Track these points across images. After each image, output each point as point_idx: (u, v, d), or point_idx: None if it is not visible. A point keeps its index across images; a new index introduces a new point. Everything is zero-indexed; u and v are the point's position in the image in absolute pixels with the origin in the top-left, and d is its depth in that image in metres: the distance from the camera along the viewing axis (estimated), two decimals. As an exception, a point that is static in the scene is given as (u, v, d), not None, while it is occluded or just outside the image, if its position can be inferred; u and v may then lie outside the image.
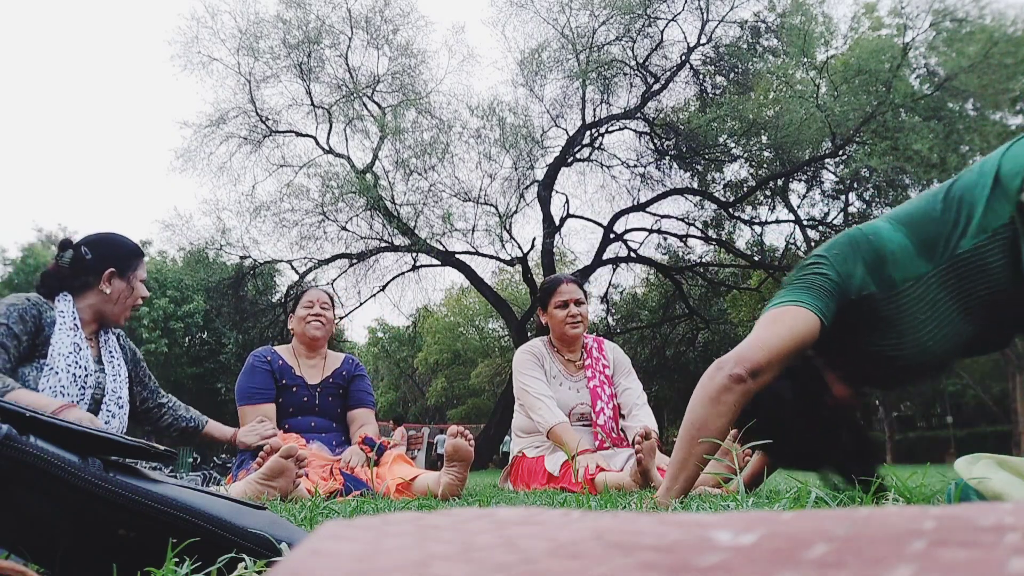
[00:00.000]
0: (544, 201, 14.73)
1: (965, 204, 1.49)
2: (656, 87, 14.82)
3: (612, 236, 15.90)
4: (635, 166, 15.73)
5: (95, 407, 2.18)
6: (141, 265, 2.31)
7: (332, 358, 2.97)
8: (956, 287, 1.50)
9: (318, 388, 2.83)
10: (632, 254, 16.39)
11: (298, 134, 14.98)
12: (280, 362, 2.84)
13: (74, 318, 2.17)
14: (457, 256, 15.03)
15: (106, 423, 2.18)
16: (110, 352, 2.31)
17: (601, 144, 15.69)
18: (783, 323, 1.53)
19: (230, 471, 2.93)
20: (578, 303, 3.03)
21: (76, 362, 2.12)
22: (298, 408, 2.78)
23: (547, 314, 3.08)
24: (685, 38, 14.58)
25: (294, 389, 2.79)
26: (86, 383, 2.13)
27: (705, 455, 2.06)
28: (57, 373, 2.07)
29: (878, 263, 1.55)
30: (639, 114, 14.77)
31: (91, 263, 2.23)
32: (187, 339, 26.66)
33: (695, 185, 15.67)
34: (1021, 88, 13.89)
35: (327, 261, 14.72)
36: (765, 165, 15.46)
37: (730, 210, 15.91)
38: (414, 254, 15.01)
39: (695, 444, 1.52)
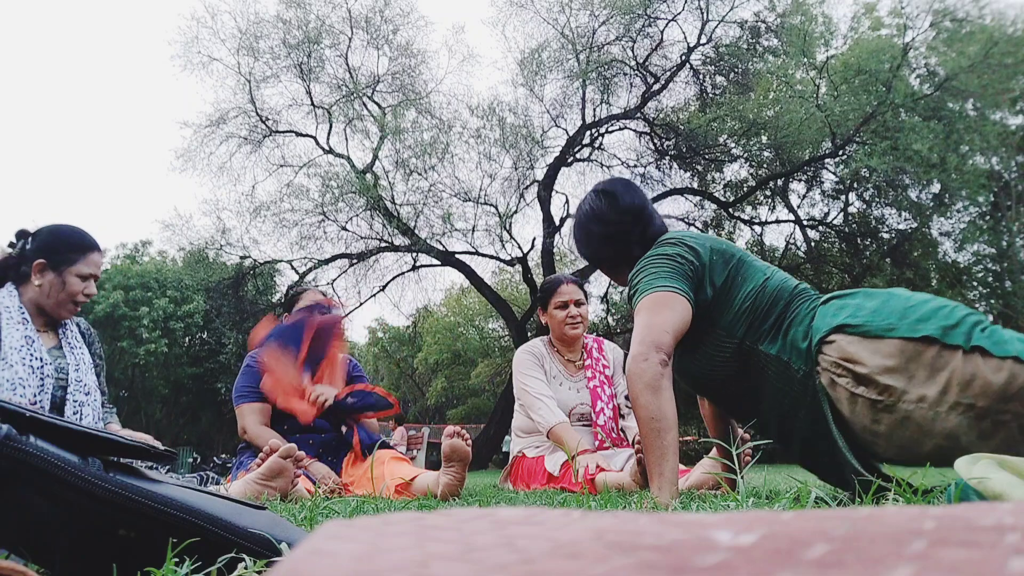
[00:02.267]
0: (544, 201, 14.73)
1: (790, 323, 1.64)
2: (656, 87, 14.81)
3: (612, 236, 15.86)
4: (635, 166, 15.73)
5: (61, 395, 2.11)
6: (83, 260, 2.16)
7: None
8: (741, 363, 1.69)
9: None
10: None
11: (298, 134, 14.98)
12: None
13: (21, 312, 2.09)
14: (457, 256, 15.02)
15: (75, 413, 2.10)
16: (69, 341, 2.22)
17: (601, 144, 15.69)
18: (672, 308, 1.64)
19: (230, 471, 2.93)
20: (578, 304, 3.04)
21: (31, 354, 2.05)
22: None
23: (547, 314, 3.08)
24: (685, 38, 14.58)
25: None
26: (44, 372, 2.06)
27: (712, 457, 2.09)
28: (12, 366, 2.00)
29: (724, 297, 1.72)
30: (639, 114, 14.76)
31: (28, 253, 2.13)
32: (187, 339, 26.66)
33: (695, 185, 15.67)
34: (1021, 88, 13.90)
35: (327, 261, 14.71)
36: (765, 165, 15.46)
37: (730, 210, 15.91)
38: (414, 254, 15.01)
39: (662, 435, 1.56)
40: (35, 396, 2.04)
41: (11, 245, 2.18)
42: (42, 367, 2.07)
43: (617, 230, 1.91)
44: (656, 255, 1.76)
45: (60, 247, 2.15)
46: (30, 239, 2.16)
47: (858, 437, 1.49)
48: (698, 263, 1.73)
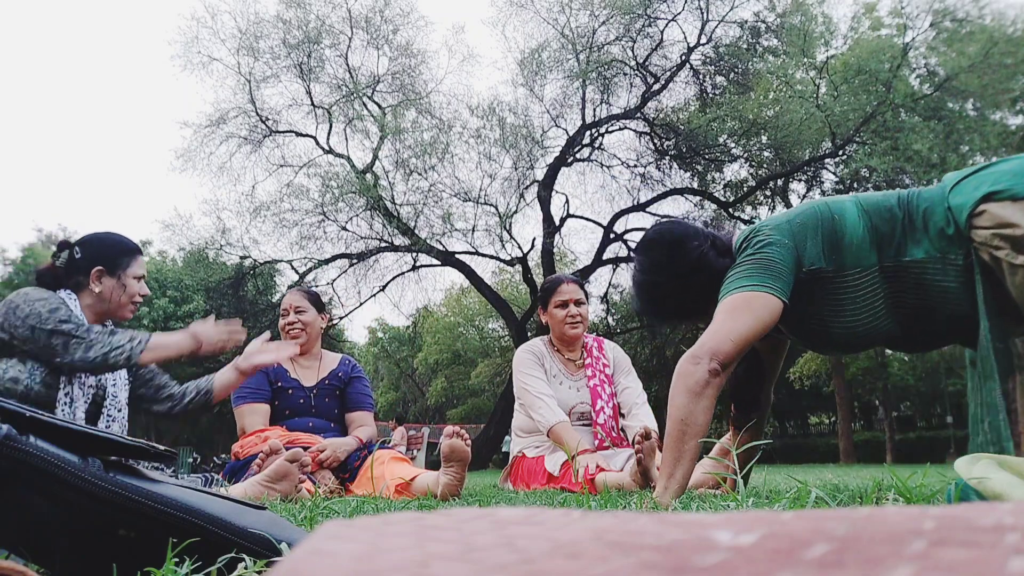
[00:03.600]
0: (544, 201, 14.74)
1: (923, 217, 1.57)
2: (656, 87, 14.82)
3: (612, 236, 15.90)
4: (635, 166, 15.74)
5: (95, 409, 2.17)
6: (135, 262, 2.27)
7: (328, 359, 2.95)
8: (892, 287, 1.59)
9: (313, 390, 2.82)
10: (632, 254, 16.34)
11: (298, 134, 14.99)
12: (275, 364, 2.82)
13: (80, 316, 2.16)
14: (457, 256, 15.03)
15: (106, 427, 2.16)
16: None
17: (601, 144, 15.69)
18: (749, 312, 1.57)
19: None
20: (578, 303, 3.04)
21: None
22: (294, 410, 2.77)
23: (547, 313, 3.08)
24: (685, 38, 14.59)
25: (289, 391, 2.78)
26: (84, 381, 2.12)
27: (712, 457, 2.07)
28: (71, 383, 2.06)
29: (834, 244, 1.62)
30: (639, 114, 14.77)
31: (81, 262, 2.20)
32: (187, 339, 26.60)
33: (695, 185, 15.67)
34: (1021, 88, 13.89)
35: (327, 261, 14.72)
36: (765, 165, 15.47)
37: (730, 210, 15.91)
38: (414, 254, 15.02)
39: (686, 440, 1.53)
40: (81, 407, 2.10)
41: (54, 256, 2.24)
42: (85, 378, 2.13)
43: (691, 268, 1.77)
44: (741, 258, 1.68)
45: (113, 253, 2.24)
46: (76, 249, 2.22)
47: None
48: (787, 241, 1.64)
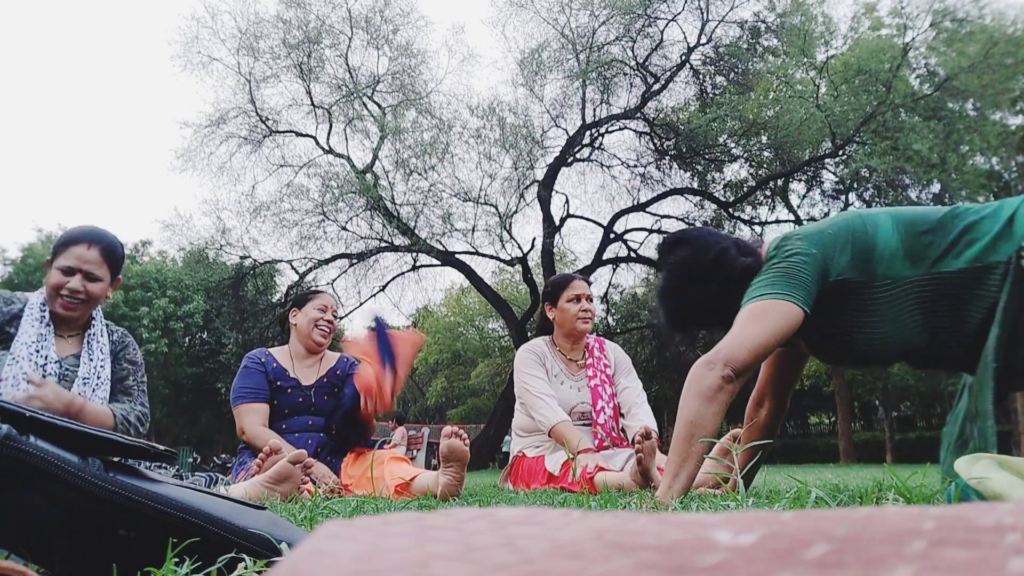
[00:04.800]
0: (544, 201, 14.73)
1: (968, 230, 1.56)
2: (656, 87, 14.82)
3: (612, 236, 15.90)
4: (635, 166, 15.74)
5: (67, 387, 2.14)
6: (64, 252, 2.16)
7: (327, 358, 2.96)
8: (925, 300, 1.58)
9: (312, 389, 2.82)
10: (632, 254, 16.38)
11: (298, 134, 14.99)
12: (274, 364, 2.83)
13: (42, 310, 2.14)
14: (457, 256, 15.03)
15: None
16: (91, 352, 2.20)
17: (601, 144, 15.69)
18: (767, 320, 1.57)
19: (230, 471, 2.92)
20: (589, 299, 3.05)
21: (38, 351, 2.08)
22: (293, 409, 2.77)
23: (557, 308, 3.05)
24: (685, 38, 14.59)
25: (288, 391, 2.78)
26: (46, 370, 2.08)
27: (712, 457, 2.06)
28: (18, 362, 2.03)
29: (866, 256, 1.61)
30: (639, 114, 14.77)
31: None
32: (187, 339, 26.66)
33: (695, 185, 15.67)
34: (1021, 88, 13.90)
35: (327, 261, 14.72)
36: (765, 165, 15.47)
37: (730, 210, 15.91)
38: (414, 254, 15.02)
39: (693, 442, 1.54)
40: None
41: None
42: (45, 365, 2.07)
43: (715, 269, 1.75)
44: (768, 266, 1.67)
45: (57, 242, 2.19)
46: None
47: None
48: (816, 251, 1.62)
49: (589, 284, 3.13)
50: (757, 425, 2.00)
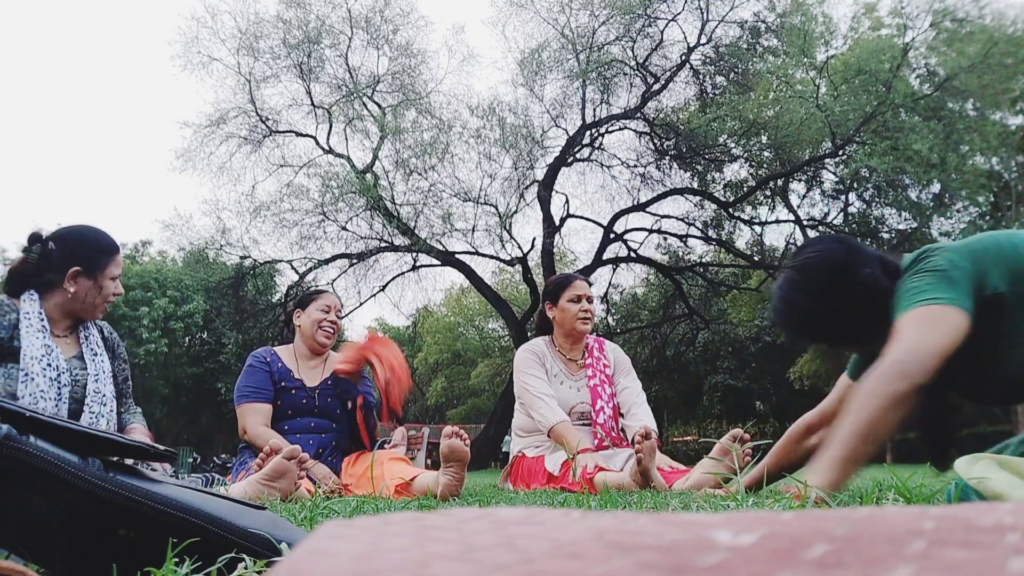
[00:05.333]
0: (544, 201, 14.74)
1: None
2: (656, 87, 14.82)
3: (612, 236, 15.89)
4: (635, 166, 15.74)
5: (77, 407, 2.09)
6: (113, 262, 2.16)
7: (332, 359, 2.96)
8: None
9: (316, 390, 2.82)
10: (632, 254, 16.39)
11: (298, 134, 14.98)
12: (279, 364, 2.82)
13: (41, 319, 2.06)
14: (457, 256, 15.03)
15: (91, 423, 2.08)
16: (92, 349, 2.19)
17: (601, 144, 15.69)
18: (943, 327, 1.45)
19: (230, 471, 2.92)
20: (589, 299, 3.06)
21: (50, 364, 2.02)
22: (296, 410, 2.77)
23: (557, 308, 3.05)
24: (685, 38, 14.59)
25: (292, 391, 2.78)
26: (60, 382, 2.04)
27: (712, 457, 2.02)
28: (34, 379, 1.98)
29: (1019, 274, 1.50)
30: (639, 114, 14.77)
31: (56, 260, 2.09)
32: (187, 339, 26.66)
33: (695, 185, 15.67)
34: (1021, 88, 13.90)
35: (327, 261, 14.72)
36: (765, 165, 15.46)
37: (730, 210, 15.91)
38: (414, 254, 15.01)
39: (868, 443, 1.42)
40: (54, 407, 2.02)
41: (26, 250, 2.13)
42: (58, 377, 2.04)
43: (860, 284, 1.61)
44: (914, 273, 1.55)
45: (92, 252, 2.13)
46: (50, 244, 2.11)
47: None
48: (966, 264, 1.52)
49: (590, 285, 3.13)
50: (802, 448, 1.90)
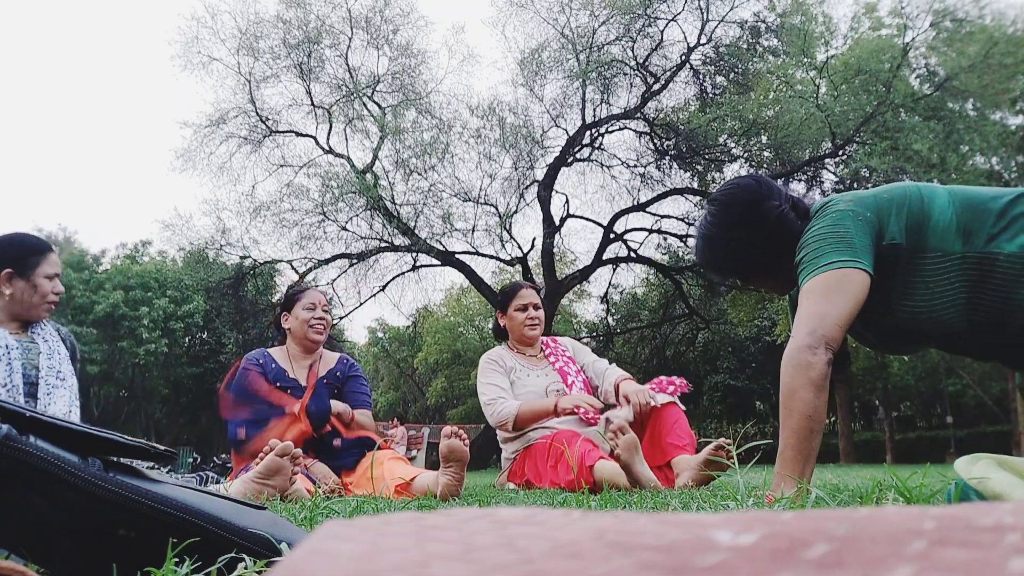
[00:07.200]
0: (544, 201, 14.74)
1: (1002, 212, 1.51)
2: (656, 87, 14.82)
3: (612, 236, 15.90)
4: (635, 166, 15.74)
5: (34, 376, 2.19)
6: (45, 261, 2.26)
7: (327, 358, 2.95)
8: (973, 279, 1.51)
9: (312, 389, 2.82)
10: (632, 254, 16.40)
11: (298, 134, 14.99)
12: (273, 365, 2.82)
13: None
14: (457, 256, 15.03)
15: (48, 395, 2.19)
16: (43, 337, 2.30)
17: (601, 144, 15.70)
18: (847, 292, 1.49)
19: (230, 471, 2.92)
20: (536, 307, 3.18)
21: None
22: None
23: (507, 316, 3.20)
24: (685, 38, 14.59)
25: (288, 391, 2.78)
26: (11, 356, 2.14)
27: (710, 456, 2.04)
28: None
29: (919, 225, 1.55)
30: (639, 114, 14.77)
31: None
32: (187, 339, 26.68)
33: (695, 185, 15.68)
34: (1021, 88, 13.90)
35: (327, 261, 14.72)
36: (765, 165, 15.46)
37: (730, 210, 15.88)
38: (414, 254, 15.01)
39: (813, 437, 1.45)
40: (7, 377, 2.11)
41: None
42: (8, 351, 2.14)
43: (765, 219, 1.68)
44: (818, 227, 1.59)
45: (19, 253, 2.24)
46: None
47: None
48: (869, 214, 1.57)
49: (539, 291, 3.25)
50: None
